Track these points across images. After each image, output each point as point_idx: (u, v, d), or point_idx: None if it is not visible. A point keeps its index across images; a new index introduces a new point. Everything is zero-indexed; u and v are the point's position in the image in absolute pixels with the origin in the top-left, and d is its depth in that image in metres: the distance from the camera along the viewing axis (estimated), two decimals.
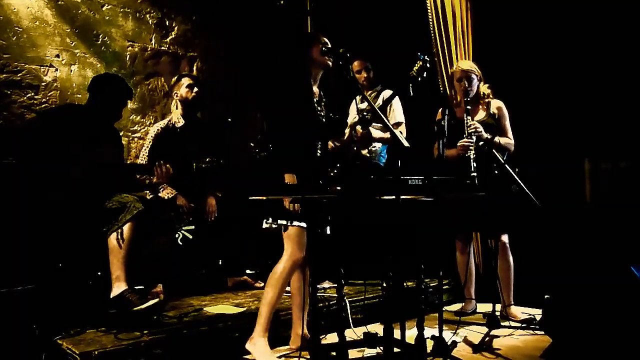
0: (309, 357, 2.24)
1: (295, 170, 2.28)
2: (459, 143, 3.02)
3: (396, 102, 3.45)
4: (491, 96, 3.25)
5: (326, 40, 2.47)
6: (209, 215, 3.37)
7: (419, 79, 2.42)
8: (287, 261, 2.35)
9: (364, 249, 2.93)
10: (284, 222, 2.33)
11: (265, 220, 2.39)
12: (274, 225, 2.36)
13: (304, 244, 2.35)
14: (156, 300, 2.49)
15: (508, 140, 3.18)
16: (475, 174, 2.86)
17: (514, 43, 3.76)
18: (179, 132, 3.40)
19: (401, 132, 3.40)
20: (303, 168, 2.31)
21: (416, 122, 3.54)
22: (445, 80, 3.76)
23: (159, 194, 3.28)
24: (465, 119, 3.05)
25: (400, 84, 2.63)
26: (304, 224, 2.31)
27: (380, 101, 3.47)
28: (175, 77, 3.54)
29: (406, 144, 2.05)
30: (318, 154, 2.44)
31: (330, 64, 2.45)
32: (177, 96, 3.46)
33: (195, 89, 3.43)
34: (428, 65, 2.39)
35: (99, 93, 2.79)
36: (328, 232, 2.53)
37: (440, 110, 3.18)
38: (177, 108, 3.47)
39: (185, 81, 3.44)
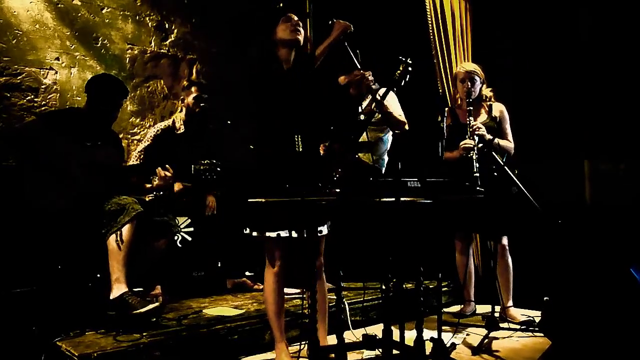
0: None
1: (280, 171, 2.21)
2: (461, 144, 3.02)
3: (392, 98, 3.43)
4: (493, 99, 3.27)
5: (293, 16, 2.30)
6: (208, 211, 3.40)
7: (402, 82, 2.40)
8: (265, 275, 2.32)
9: (363, 251, 2.93)
10: (256, 234, 2.28)
11: (245, 230, 2.34)
12: (253, 234, 2.30)
13: (275, 255, 2.28)
14: (156, 304, 2.49)
15: (508, 144, 3.20)
16: (477, 174, 2.86)
17: (513, 44, 3.77)
18: (179, 135, 3.41)
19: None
20: (284, 168, 2.22)
21: (416, 123, 3.54)
22: (444, 82, 3.77)
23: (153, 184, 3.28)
24: (467, 119, 3.06)
25: (392, 86, 2.61)
26: (272, 234, 2.24)
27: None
28: (187, 82, 3.52)
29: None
30: (299, 149, 2.27)
31: (300, 38, 2.27)
32: (183, 102, 3.45)
33: (202, 104, 3.40)
34: (410, 68, 2.37)
35: (94, 94, 2.78)
36: (325, 232, 2.46)
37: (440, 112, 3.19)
38: (181, 111, 3.47)
39: (194, 91, 3.41)
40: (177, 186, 3.25)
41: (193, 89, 3.43)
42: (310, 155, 2.30)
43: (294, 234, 2.24)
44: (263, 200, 2.13)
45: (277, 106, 2.27)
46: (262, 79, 2.30)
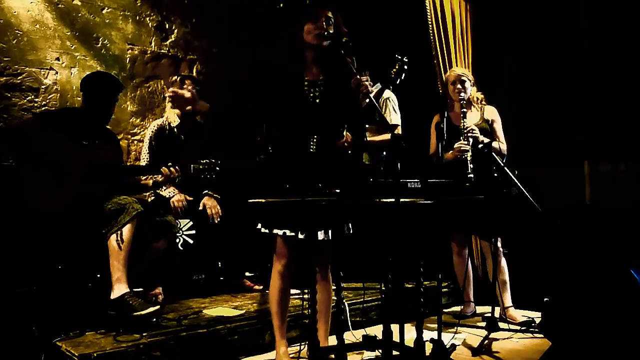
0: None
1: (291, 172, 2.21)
2: (456, 145, 3.07)
3: (392, 102, 3.43)
4: (484, 102, 3.34)
5: (328, 15, 2.20)
6: (212, 218, 3.33)
7: (397, 80, 2.42)
8: (272, 272, 2.31)
9: (362, 251, 2.93)
10: (265, 230, 2.27)
11: (257, 226, 2.34)
12: (263, 230, 2.29)
13: (282, 253, 2.27)
14: (157, 307, 2.50)
15: (502, 145, 3.26)
16: (472, 175, 2.90)
17: (513, 46, 3.77)
18: (176, 133, 3.40)
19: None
20: (298, 168, 2.22)
21: (415, 123, 3.54)
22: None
23: (161, 193, 3.28)
24: (462, 121, 3.10)
25: (388, 84, 2.60)
26: (280, 232, 2.23)
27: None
28: (178, 78, 3.51)
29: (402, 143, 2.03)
30: (312, 149, 2.27)
31: (326, 44, 2.19)
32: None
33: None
34: (406, 67, 2.38)
35: (89, 91, 2.77)
36: (321, 237, 2.39)
37: (438, 113, 3.21)
38: (173, 107, 3.45)
39: (189, 84, 3.37)
40: (179, 197, 3.25)
41: (187, 82, 3.41)
42: (324, 156, 2.29)
43: (300, 235, 2.22)
44: (271, 200, 2.12)
45: (297, 108, 2.25)
46: (283, 80, 2.26)
